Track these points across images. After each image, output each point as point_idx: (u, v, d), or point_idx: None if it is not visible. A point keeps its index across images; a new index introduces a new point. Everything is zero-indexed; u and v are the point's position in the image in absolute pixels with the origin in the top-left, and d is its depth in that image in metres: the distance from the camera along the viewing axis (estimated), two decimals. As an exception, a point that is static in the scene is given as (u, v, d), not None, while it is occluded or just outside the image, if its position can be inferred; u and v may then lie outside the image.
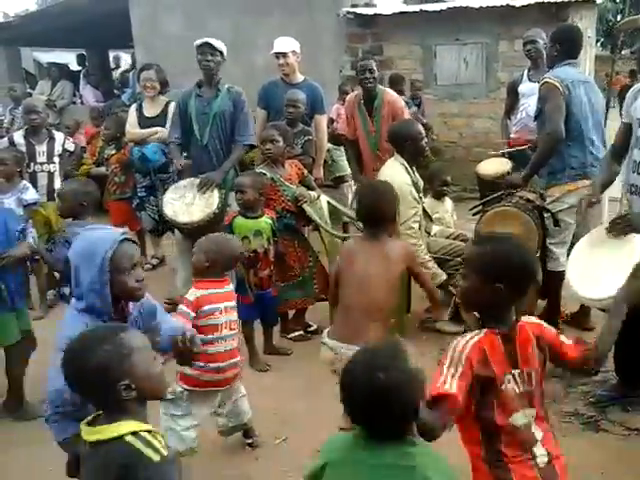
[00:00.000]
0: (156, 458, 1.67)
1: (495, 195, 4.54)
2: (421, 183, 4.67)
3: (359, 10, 9.15)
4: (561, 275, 4.31)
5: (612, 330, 2.16)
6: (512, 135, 6.10)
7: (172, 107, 5.80)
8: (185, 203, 4.91)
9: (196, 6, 9.65)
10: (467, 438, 2.11)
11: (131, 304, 2.40)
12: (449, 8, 8.60)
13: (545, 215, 4.38)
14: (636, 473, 3.13)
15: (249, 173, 4.64)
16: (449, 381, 1.93)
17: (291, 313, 4.93)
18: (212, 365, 3.11)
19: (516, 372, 2.03)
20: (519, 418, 2.03)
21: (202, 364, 3.02)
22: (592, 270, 3.29)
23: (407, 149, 4.43)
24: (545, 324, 2.19)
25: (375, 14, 9.10)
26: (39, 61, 14.47)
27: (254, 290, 4.33)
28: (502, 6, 8.46)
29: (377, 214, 3.21)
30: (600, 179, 3.98)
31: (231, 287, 3.34)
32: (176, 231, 5.34)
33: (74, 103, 10.73)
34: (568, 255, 4.20)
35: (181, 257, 5.39)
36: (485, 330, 2.05)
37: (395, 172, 4.40)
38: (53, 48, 14.87)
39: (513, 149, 5.74)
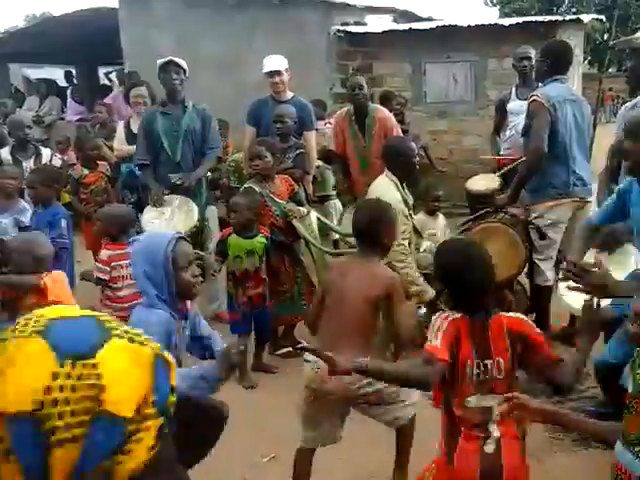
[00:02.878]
0: None
1: (482, 212, 4.56)
2: (411, 200, 4.67)
3: (349, 28, 9.22)
4: (548, 290, 4.33)
5: (586, 351, 2.31)
6: (502, 152, 6.13)
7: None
8: (165, 219, 4.90)
9: (187, 24, 9.69)
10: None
11: (189, 304, 2.55)
12: (439, 27, 8.67)
13: (530, 229, 4.41)
14: (627, 490, 3.11)
15: (243, 192, 4.64)
16: (434, 340, 2.18)
17: (280, 329, 4.90)
18: (118, 305, 3.99)
19: (487, 361, 2.20)
20: (472, 401, 2.20)
21: (112, 304, 4.03)
22: None
23: (399, 166, 4.43)
24: (527, 320, 2.33)
25: (365, 32, 9.17)
26: (28, 77, 14.46)
27: (242, 308, 4.31)
28: (491, 25, 8.56)
29: (372, 233, 3.04)
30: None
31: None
32: None
33: (62, 119, 10.71)
34: (555, 270, 4.23)
35: None
36: (458, 314, 2.25)
37: (386, 189, 4.39)
38: (42, 64, 14.89)
39: (506, 168, 5.71)
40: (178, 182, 5.00)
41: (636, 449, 1.74)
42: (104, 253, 4.10)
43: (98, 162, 6.24)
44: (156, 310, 2.36)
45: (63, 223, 4.45)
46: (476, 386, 2.20)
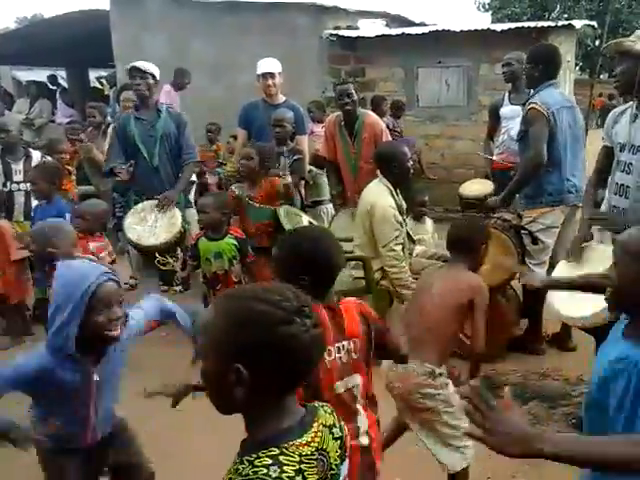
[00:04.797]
0: None
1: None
2: (404, 205, 4.66)
3: (342, 32, 9.22)
4: (541, 295, 4.31)
5: None
6: (495, 157, 6.12)
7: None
8: (148, 225, 4.86)
9: (178, 27, 9.67)
10: None
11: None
12: (431, 31, 8.69)
13: (523, 234, 4.40)
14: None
15: (212, 193, 4.68)
16: None
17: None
18: None
19: (345, 342, 2.16)
20: (341, 386, 2.16)
21: None
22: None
23: (393, 171, 4.41)
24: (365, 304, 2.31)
25: (358, 36, 9.17)
26: (18, 79, 14.39)
27: None
28: (483, 30, 8.57)
29: (464, 245, 3.10)
30: (587, 213, 3.87)
31: (106, 241, 4.49)
32: (131, 249, 5.26)
33: (52, 122, 10.66)
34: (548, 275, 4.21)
35: (139, 273, 5.37)
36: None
37: (379, 194, 4.38)
38: (32, 66, 14.83)
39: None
40: (164, 206, 4.92)
41: None
42: (92, 246, 4.34)
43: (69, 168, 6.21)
44: (41, 352, 2.24)
45: (67, 217, 4.61)
46: (340, 371, 2.15)
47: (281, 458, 1.30)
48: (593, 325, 3.19)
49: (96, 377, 2.31)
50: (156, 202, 4.96)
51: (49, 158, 5.98)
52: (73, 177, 6.25)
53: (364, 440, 2.18)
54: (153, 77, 5.10)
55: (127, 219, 4.97)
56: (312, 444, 1.37)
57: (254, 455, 1.30)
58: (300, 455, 1.32)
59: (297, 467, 1.30)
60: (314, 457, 1.36)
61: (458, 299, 2.92)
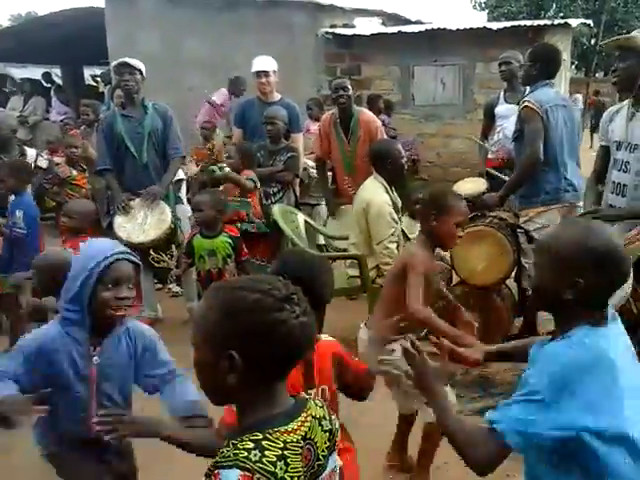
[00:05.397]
0: None
1: (470, 215, 4.54)
2: (400, 203, 4.65)
3: (338, 30, 9.21)
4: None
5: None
6: (490, 156, 6.12)
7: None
8: (137, 223, 4.84)
9: (172, 24, 9.64)
10: None
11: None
12: (427, 30, 8.68)
13: (519, 233, 4.39)
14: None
15: (208, 191, 4.68)
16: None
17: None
18: None
19: (311, 392, 2.01)
20: None
21: None
22: None
23: (387, 168, 4.41)
24: (339, 344, 2.21)
25: (354, 35, 9.16)
26: (12, 77, 14.32)
27: None
28: (479, 29, 8.56)
29: (424, 217, 3.07)
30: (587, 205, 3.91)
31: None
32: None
33: (47, 119, 10.63)
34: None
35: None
36: None
37: (375, 192, 4.38)
38: (26, 64, 14.76)
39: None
40: (151, 199, 4.90)
41: None
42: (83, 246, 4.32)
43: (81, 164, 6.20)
44: (49, 326, 2.31)
45: (18, 213, 4.56)
46: None
47: (264, 443, 1.30)
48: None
49: (96, 359, 2.28)
50: (144, 199, 4.94)
51: (45, 156, 5.98)
52: (87, 174, 6.24)
53: None
54: (141, 73, 5.06)
55: (117, 218, 4.93)
56: (298, 432, 1.37)
57: (238, 438, 1.32)
58: (284, 442, 1.33)
59: (280, 453, 1.31)
60: (299, 445, 1.36)
61: (392, 269, 3.06)
